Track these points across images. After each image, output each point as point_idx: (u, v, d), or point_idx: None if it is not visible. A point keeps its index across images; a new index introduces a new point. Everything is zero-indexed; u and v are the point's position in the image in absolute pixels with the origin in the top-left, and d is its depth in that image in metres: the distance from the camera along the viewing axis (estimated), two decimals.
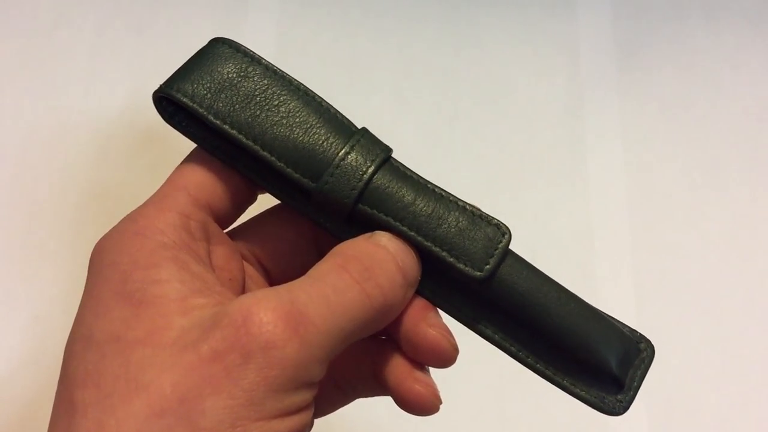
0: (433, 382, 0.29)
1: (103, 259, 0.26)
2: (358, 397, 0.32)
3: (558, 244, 0.54)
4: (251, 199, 0.31)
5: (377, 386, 0.30)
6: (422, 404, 0.29)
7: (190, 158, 0.30)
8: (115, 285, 0.25)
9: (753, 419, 0.51)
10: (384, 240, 0.28)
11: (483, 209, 0.30)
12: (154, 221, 0.27)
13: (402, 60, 0.58)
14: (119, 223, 0.28)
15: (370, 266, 0.27)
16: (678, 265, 0.54)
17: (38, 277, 0.50)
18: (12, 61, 0.55)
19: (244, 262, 0.31)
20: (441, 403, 0.29)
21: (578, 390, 0.29)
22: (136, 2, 0.57)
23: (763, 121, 0.58)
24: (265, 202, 0.33)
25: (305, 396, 0.25)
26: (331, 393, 0.32)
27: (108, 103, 0.54)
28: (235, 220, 0.31)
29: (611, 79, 0.59)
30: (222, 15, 0.58)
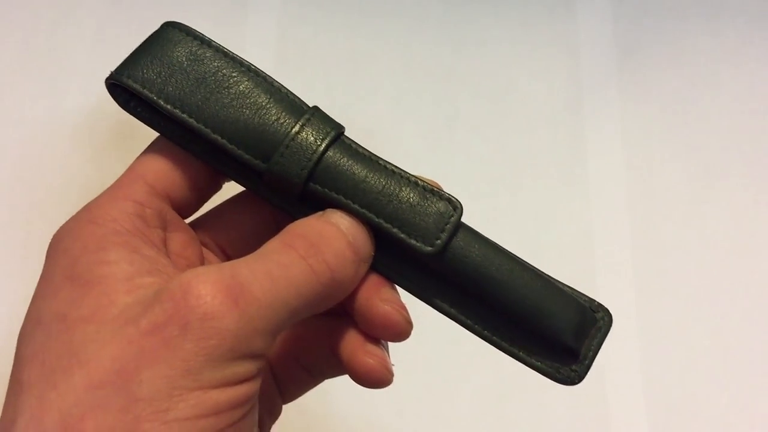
0: (385, 355, 0.30)
1: (57, 247, 0.27)
2: (324, 378, 0.33)
3: (558, 244, 0.54)
4: (215, 188, 0.31)
5: (338, 364, 0.31)
6: (373, 376, 0.29)
7: (150, 148, 0.30)
8: (65, 269, 0.26)
9: (753, 419, 0.51)
10: (335, 217, 0.28)
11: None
12: (108, 210, 0.27)
13: (402, 60, 0.58)
14: (76, 213, 0.28)
15: (316, 243, 0.27)
16: (678, 264, 0.54)
17: (38, 277, 0.50)
18: (12, 61, 0.55)
19: (206, 250, 0.31)
20: (392, 375, 0.29)
21: (534, 360, 0.30)
22: (136, 2, 0.57)
23: (764, 121, 0.58)
24: (231, 190, 0.33)
25: (247, 368, 0.25)
26: (298, 374, 0.32)
27: (108, 103, 0.54)
28: (198, 208, 0.31)
29: (611, 79, 0.59)
30: (222, 15, 0.58)
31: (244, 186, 0.30)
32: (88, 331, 0.24)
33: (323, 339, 0.31)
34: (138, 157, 0.30)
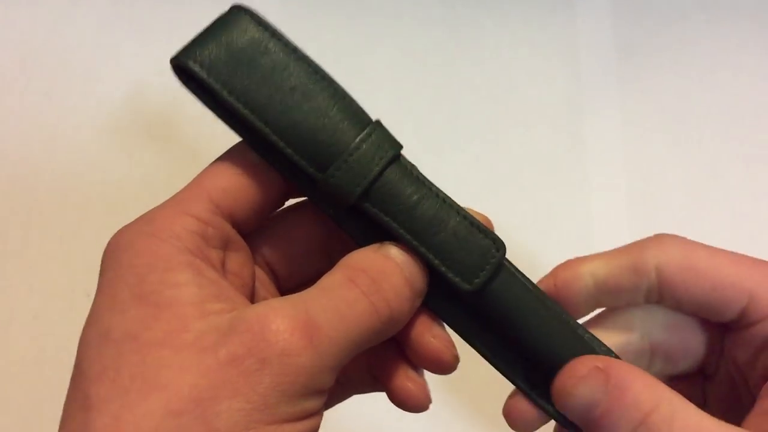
0: (425, 383, 0.30)
1: (119, 259, 0.26)
2: (355, 393, 0.33)
3: (558, 245, 0.54)
4: (278, 206, 0.31)
5: (373, 381, 0.31)
6: (413, 402, 0.30)
7: (220, 160, 0.29)
8: (132, 286, 0.25)
9: None
10: (392, 252, 0.28)
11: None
12: (171, 225, 0.27)
13: (402, 60, 0.58)
14: (136, 221, 0.27)
15: (377, 279, 0.27)
16: None
17: (38, 277, 0.50)
18: (12, 60, 0.55)
19: (255, 267, 0.31)
20: (430, 401, 0.30)
21: (545, 404, 0.30)
22: (136, 2, 0.57)
23: (763, 121, 0.58)
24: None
25: (316, 403, 0.26)
26: (332, 388, 0.32)
27: (108, 103, 0.54)
28: (257, 227, 0.31)
29: (611, 79, 0.59)
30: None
31: (292, 181, 0.30)
32: (164, 356, 0.24)
33: (363, 358, 0.31)
34: (206, 170, 0.29)
